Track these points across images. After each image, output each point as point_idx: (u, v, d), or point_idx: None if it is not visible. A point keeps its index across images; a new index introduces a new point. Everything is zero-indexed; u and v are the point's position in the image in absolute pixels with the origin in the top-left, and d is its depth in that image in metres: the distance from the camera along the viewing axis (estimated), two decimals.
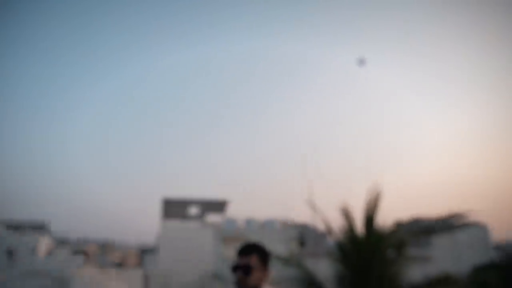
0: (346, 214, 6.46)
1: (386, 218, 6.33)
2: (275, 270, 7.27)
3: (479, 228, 22.76)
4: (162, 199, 25.73)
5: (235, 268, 1.90)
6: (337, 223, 6.66)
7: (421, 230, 7.35)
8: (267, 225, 26.46)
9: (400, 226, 6.84)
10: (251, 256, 1.88)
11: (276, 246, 10.14)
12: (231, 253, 22.25)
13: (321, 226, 16.89)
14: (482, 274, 6.69)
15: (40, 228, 40.15)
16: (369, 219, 6.30)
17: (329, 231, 6.81)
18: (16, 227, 40.49)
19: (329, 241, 16.35)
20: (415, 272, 6.85)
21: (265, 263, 1.91)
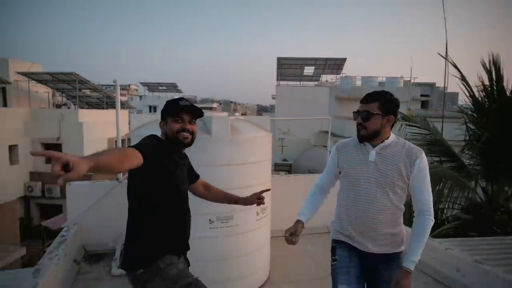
0: (493, 68, 5.47)
1: None
2: (398, 130, 6.94)
3: None
4: (277, 58, 25.99)
5: (356, 115, 1.94)
6: (475, 81, 5.78)
7: None
8: (387, 84, 24.96)
9: None
10: (372, 103, 1.87)
11: None
12: (345, 113, 22.32)
13: (450, 86, 15.13)
14: None
15: (173, 87, 46.26)
16: None
17: (465, 87, 6.00)
18: (153, 87, 47.39)
19: (458, 103, 14.81)
20: None
21: (388, 110, 1.88)
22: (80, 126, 16.39)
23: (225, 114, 3.36)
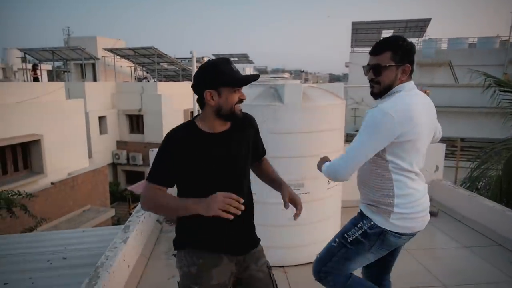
0: None
1: None
2: (484, 97, 6.21)
3: None
4: (352, 23, 24.58)
5: (367, 69, 1.72)
6: None
7: None
8: (479, 45, 22.15)
9: None
10: (383, 54, 1.65)
11: (490, 70, 8.55)
12: (428, 80, 20.53)
13: None
14: None
15: (244, 58, 46.75)
16: None
17: None
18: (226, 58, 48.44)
19: None
20: None
21: (403, 59, 1.64)
22: (158, 98, 17.55)
23: (297, 81, 3.30)
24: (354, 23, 24.61)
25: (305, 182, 2.86)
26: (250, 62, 48.62)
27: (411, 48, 1.68)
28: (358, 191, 1.85)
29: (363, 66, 1.77)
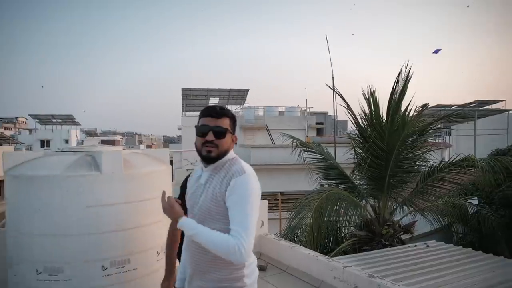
0: (371, 98, 6.25)
1: (411, 104, 6.10)
2: (294, 155, 7.38)
3: (500, 116, 22.35)
4: (181, 89, 25.87)
5: (205, 130, 1.64)
6: (359, 109, 6.54)
7: (444, 117, 7.15)
8: (287, 113, 26.69)
9: (424, 113, 6.64)
10: (223, 119, 1.65)
11: (295, 133, 10.28)
12: (250, 141, 23.04)
13: (341, 114, 16.85)
14: (501, 156, 6.65)
15: (69, 119, 42.43)
16: (395, 104, 6.09)
17: (351, 116, 6.72)
18: (46, 120, 42.91)
19: (348, 129, 16.50)
20: (436, 157, 6.92)
21: (234, 130, 1.73)
22: None
23: (119, 148, 3.14)
24: (184, 89, 26.03)
25: (131, 257, 2.63)
26: (76, 123, 44.47)
27: (236, 121, 1.76)
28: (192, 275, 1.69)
29: (200, 126, 1.67)
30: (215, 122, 1.63)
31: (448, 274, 4.18)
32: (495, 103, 22.35)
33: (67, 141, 42.41)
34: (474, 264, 4.66)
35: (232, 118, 1.70)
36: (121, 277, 2.61)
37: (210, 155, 1.63)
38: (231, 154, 1.70)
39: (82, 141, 48.20)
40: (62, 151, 2.80)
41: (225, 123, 1.66)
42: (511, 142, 14.25)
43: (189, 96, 26.78)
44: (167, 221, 2.86)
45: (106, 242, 2.44)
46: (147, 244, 2.64)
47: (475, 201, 8.18)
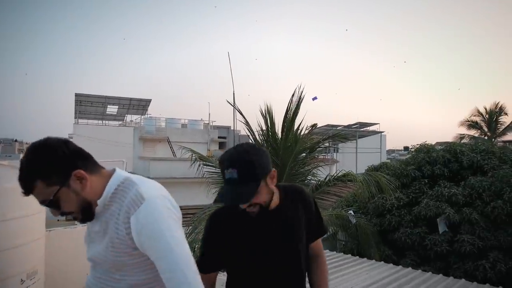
0: (267, 116, 6.60)
1: (303, 122, 6.62)
2: (196, 169, 7.33)
3: (378, 136, 25.98)
4: (75, 94, 23.66)
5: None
6: (257, 126, 6.85)
7: (330, 136, 7.97)
8: (190, 126, 26.37)
9: (314, 131, 7.28)
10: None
11: (198, 146, 10.24)
12: (150, 153, 22.11)
13: (242, 129, 17.36)
14: (373, 172, 7.73)
15: None
16: (289, 122, 6.53)
17: (249, 131, 6.99)
18: None
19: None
20: (324, 172, 7.59)
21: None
22: None
23: None
24: (77, 95, 23.88)
25: None
26: None
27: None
28: None
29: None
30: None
31: (332, 280, 4.59)
32: (372, 125, 26.06)
33: None
34: (352, 268, 5.23)
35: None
36: None
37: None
38: (119, 175, 1.31)
39: None
40: None
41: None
42: (384, 160, 16.50)
43: (84, 103, 24.64)
44: (35, 244, 2.56)
45: None
46: (7, 271, 2.32)
47: (355, 210, 9.18)
